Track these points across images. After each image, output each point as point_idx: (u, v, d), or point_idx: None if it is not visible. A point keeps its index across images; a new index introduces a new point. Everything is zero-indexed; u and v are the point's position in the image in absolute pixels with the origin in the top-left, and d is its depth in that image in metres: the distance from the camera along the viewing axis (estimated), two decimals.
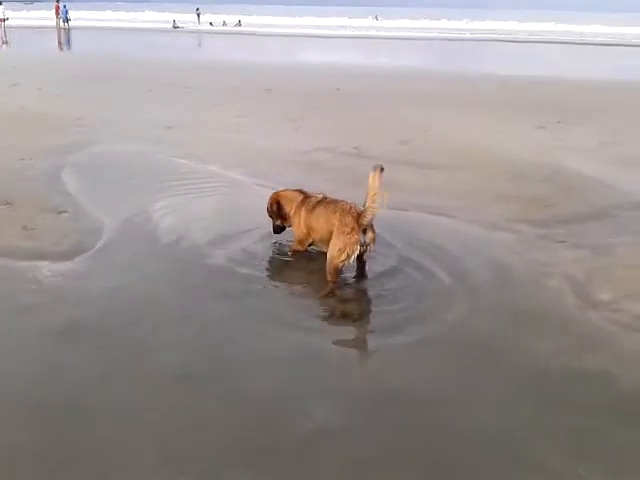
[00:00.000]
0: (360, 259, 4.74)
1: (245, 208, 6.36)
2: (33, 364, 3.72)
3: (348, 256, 4.53)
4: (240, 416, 3.32)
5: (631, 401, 3.50)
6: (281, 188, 5.56)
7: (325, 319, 4.34)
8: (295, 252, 5.26)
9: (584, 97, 15.02)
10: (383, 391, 3.59)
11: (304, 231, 5.07)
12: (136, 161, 8.27)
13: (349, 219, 4.54)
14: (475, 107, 13.49)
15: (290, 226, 5.27)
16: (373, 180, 4.34)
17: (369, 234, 4.58)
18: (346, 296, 4.65)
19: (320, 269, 4.79)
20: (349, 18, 66.21)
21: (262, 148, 9.21)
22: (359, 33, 47.42)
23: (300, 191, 5.29)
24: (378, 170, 4.32)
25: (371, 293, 4.74)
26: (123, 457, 2.99)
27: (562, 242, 5.71)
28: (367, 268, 4.90)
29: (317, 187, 7.06)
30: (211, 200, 6.72)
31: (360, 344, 4.24)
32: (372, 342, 4.21)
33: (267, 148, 9.22)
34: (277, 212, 5.29)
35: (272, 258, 5.28)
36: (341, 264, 4.58)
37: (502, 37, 43.47)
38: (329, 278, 4.66)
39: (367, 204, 4.41)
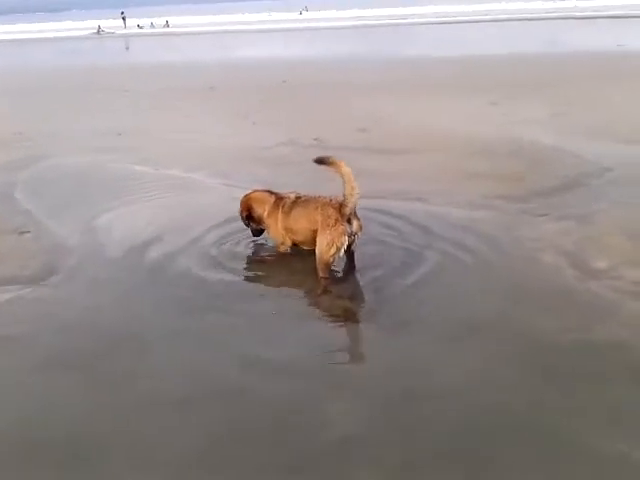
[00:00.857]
0: (349, 250, 4.55)
1: (216, 211, 6.08)
2: (17, 402, 3.40)
3: (337, 249, 4.38)
4: (257, 432, 3.09)
5: None
6: (249, 190, 5.28)
7: (326, 318, 4.15)
8: (280, 251, 5.04)
9: (528, 72, 15.23)
10: (395, 386, 3.43)
11: (282, 233, 4.87)
12: (92, 172, 7.83)
13: (331, 211, 4.38)
14: (423, 90, 13.52)
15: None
16: (340, 168, 4.23)
17: (355, 222, 4.41)
18: (342, 291, 4.47)
19: (305, 267, 4.61)
20: (269, 14, 65.47)
21: (220, 147, 8.94)
22: (290, 26, 47.04)
23: (270, 191, 5.07)
24: (331, 159, 4.30)
25: (364, 285, 4.55)
26: None
27: (544, 215, 5.70)
28: (355, 258, 4.71)
29: (287, 182, 6.87)
30: (178, 206, 6.39)
31: (368, 340, 4.06)
32: (379, 336, 4.03)
33: (226, 146, 8.95)
34: (250, 217, 5.07)
35: (254, 260, 5.05)
36: (331, 258, 4.42)
37: (434, 20, 43.96)
38: (321, 274, 4.50)
39: (346, 192, 4.27)
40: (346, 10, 62.85)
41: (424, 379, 3.46)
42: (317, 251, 4.47)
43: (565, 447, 2.90)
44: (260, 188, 5.23)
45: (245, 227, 5.22)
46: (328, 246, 4.37)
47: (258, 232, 5.20)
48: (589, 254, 4.80)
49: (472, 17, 43.93)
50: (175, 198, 6.66)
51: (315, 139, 9.12)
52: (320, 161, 4.36)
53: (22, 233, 5.69)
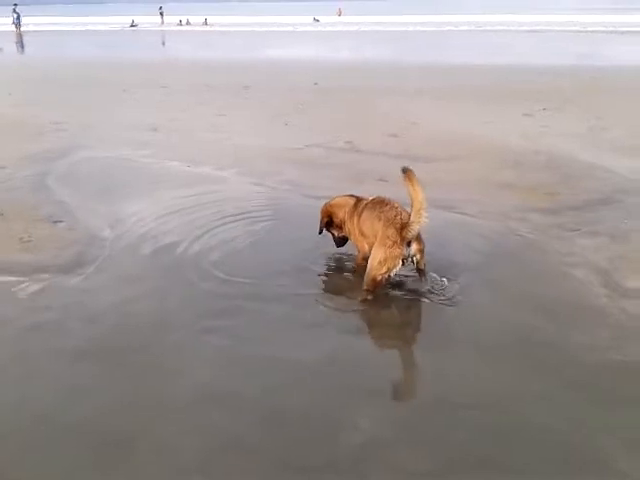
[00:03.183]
0: (418, 269, 4.37)
1: (246, 211, 6.13)
2: (50, 388, 3.46)
3: (388, 269, 4.15)
4: (283, 433, 3.10)
5: None
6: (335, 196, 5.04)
7: (356, 326, 4.15)
8: (360, 266, 4.62)
9: (563, 84, 15.06)
10: (426, 395, 3.43)
11: (360, 238, 4.57)
12: (126, 166, 7.93)
13: (392, 231, 4.12)
14: (457, 97, 13.43)
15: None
16: (413, 188, 3.95)
17: (414, 246, 4.16)
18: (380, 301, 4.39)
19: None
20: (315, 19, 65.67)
21: (253, 146, 8.98)
22: (327, 29, 47.11)
23: (351, 195, 4.82)
24: (410, 173, 3.97)
25: (395, 295, 4.49)
26: None
27: (576, 230, 5.62)
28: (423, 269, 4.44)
29: (315, 184, 6.95)
30: (212, 204, 6.44)
31: (396, 347, 4.07)
32: (411, 349, 4.04)
33: (258, 146, 8.99)
34: (330, 224, 4.87)
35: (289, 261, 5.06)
36: (380, 277, 4.20)
37: (471, 28, 43.67)
38: (365, 287, 4.31)
39: (412, 217, 4.02)
40: (381, 15, 62.79)
41: (453, 388, 3.45)
42: (368, 263, 4.28)
43: (589, 465, 2.87)
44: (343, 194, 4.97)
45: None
46: (380, 264, 4.17)
47: (341, 241, 4.95)
48: (621, 273, 4.72)
49: (510, 27, 43.50)
50: (206, 197, 6.70)
51: (347, 142, 9.12)
52: (404, 170, 4.03)
53: (56, 222, 5.79)
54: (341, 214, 4.77)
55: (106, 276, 4.76)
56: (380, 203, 4.42)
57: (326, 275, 4.81)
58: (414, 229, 4.05)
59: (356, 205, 4.65)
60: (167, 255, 5.14)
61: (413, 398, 3.43)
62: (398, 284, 4.54)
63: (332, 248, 5.06)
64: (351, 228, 4.68)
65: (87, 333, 3.97)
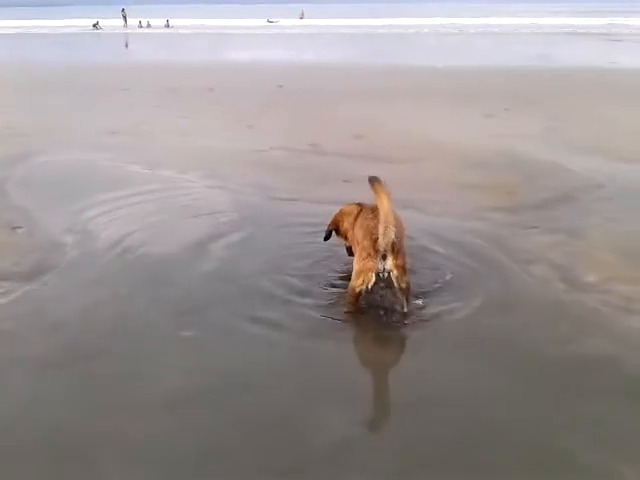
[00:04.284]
0: (393, 288, 4.09)
1: (210, 213, 6.11)
2: (11, 402, 3.38)
3: (363, 282, 4.02)
4: (256, 435, 3.11)
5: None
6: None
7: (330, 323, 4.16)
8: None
9: (524, 86, 15.37)
10: (395, 395, 3.48)
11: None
12: (86, 170, 7.83)
13: (367, 242, 4.00)
14: (420, 99, 13.60)
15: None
16: (380, 200, 3.82)
17: (389, 261, 3.94)
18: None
19: None
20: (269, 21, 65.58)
21: (215, 149, 8.94)
22: (285, 31, 47.07)
23: (358, 204, 4.59)
24: (377, 184, 3.86)
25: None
26: None
27: (535, 227, 5.76)
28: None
29: (279, 186, 6.96)
30: (173, 207, 6.41)
31: (365, 348, 4.10)
32: (381, 347, 4.08)
33: (221, 149, 8.96)
34: (337, 232, 4.73)
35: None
36: (357, 289, 4.07)
37: (433, 31, 44.21)
38: (347, 299, 4.22)
39: (379, 231, 3.86)
40: (343, 19, 63.07)
41: (420, 387, 3.50)
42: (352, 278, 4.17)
43: (555, 461, 2.94)
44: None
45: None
46: (356, 276, 4.08)
47: (349, 250, 4.73)
48: (579, 268, 4.85)
49: (470, 30, 44.17)
50: (168, 199, 6.66)
51: (310, 145, 9.16)
52: (370, 180, 3.91)
53: (14, 228, 5.68)
54: (346, 223, 4.60)
55: (68, 282, 4.69)
56: (368, 211, 4.28)
57: (294, 276, 4.82)
58: (383, 243, 3.88)
59: (358, 213, 4.46)
60: (129, 258, 5.10)
61: (380, 399, 3.46)
62: None
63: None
64: (351, 237, 4.51)
65: (48, 341, 3.90)
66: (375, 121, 11.09)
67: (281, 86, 15.75)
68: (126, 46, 36.19)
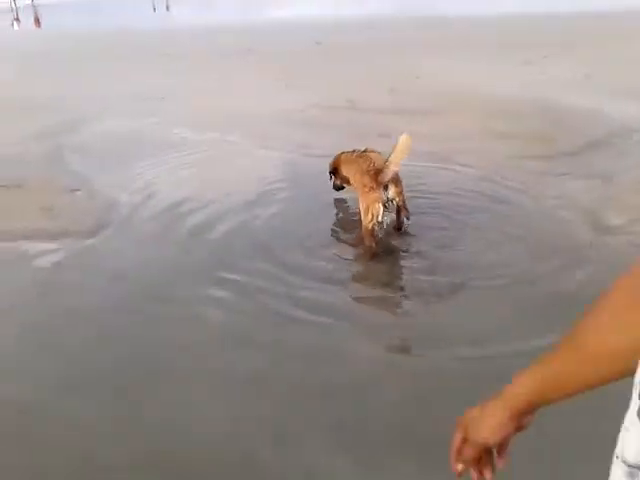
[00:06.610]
0: (398, 208, 4.65)
1: (257, 173, 6.41)
2: (79, 339, 3.70)
3: (373, 216, 4.40)
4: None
5: None
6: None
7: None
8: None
9: (564, 32, 14.99)
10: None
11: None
12: (135, 135, 8.18)
13: (366, 179, 4.44)
14: (457, 49, 13.49)
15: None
16: (401, 143, 4.23)
17: (392, 189, 4.44)
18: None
19: None
20: None
21: (256, 110, 9.17)
22: None
23: (342, 153, 5.20)
24: (405, 137, 4.23)
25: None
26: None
27: (567, 174, 5.86)
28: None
29: (317, 143, 7.20)
30: (222, 168, 6.74)
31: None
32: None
33: (261, 109, 9.18)
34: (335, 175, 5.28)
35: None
36: (370, 225, 4.43)
37: None
38: (366, 243, 4.51)
39: (391, 158, 4.30)
40: None
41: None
42: (362, 220, 4.53)
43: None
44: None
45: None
46: (365, 212, 4.45)
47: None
48: (606, 212, 4.97)
49: None
50: (214, 160, 7.01)
51: (348, 101, 9.32)
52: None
53: (73, 191, 6.12)
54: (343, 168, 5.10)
55: (123, 239, 5.07)
56: (361, 156, 4.77)
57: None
58: (388, 174, 4.31)
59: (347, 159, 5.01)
60: (184, 214, 5.41)
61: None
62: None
63: None
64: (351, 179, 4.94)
65: (107, 290, 4.26)
66: (413, 73, 11.11)
67: (319, 43, 15.78)
68: (167, 9, 36.39)
